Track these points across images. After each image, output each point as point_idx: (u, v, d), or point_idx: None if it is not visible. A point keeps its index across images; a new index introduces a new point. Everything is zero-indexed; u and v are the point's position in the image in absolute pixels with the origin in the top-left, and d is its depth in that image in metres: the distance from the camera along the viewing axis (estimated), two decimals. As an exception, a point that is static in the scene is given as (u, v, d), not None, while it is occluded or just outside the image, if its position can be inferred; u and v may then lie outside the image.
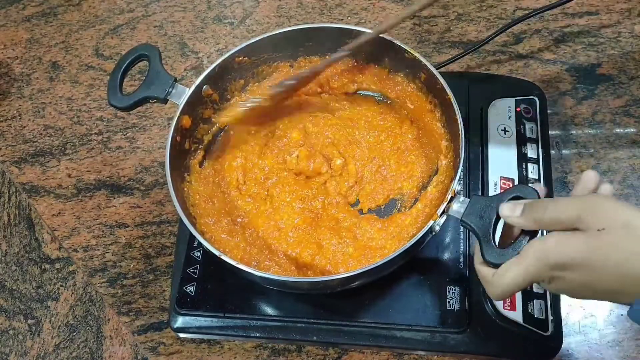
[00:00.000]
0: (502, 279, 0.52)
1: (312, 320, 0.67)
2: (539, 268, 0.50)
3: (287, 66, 0.78)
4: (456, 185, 0.60)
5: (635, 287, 0.47)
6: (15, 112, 0.91)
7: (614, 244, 0.47)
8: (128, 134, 0.87)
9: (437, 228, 0.61)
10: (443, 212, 0.59)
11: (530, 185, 0.64)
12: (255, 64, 0.76)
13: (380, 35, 0.70)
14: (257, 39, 0.73)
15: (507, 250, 0.52)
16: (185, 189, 0.70)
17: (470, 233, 0.65)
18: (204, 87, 0.72)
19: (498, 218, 0.55)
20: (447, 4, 0.93)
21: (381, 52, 0.74)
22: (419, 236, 0.59)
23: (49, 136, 0.88)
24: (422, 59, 0.69)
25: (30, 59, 0.96)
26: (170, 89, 0.69)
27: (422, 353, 0.68)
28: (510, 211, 0.53)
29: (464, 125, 0.65)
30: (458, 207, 0.58)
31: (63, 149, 0.87)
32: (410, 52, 0.70)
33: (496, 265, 0.53)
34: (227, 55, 0.72)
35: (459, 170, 0.61)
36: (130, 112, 0.88)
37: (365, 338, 0.66)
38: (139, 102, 0.69)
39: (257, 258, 0.68)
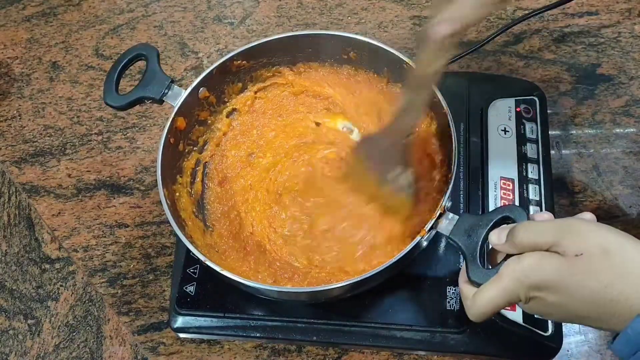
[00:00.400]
0: (481, 298, 0.51)
1: (312, 320, 0.67)
2: (517, 287, 0.49)
3: (287, 70, 0.77)
4: (446, 202, 0.59)
5: (609, 315, 0.46)
6: (15, 112, 0.91)
7: (591, 271, 0.46)
8: (128, 134, 0.87)
9: (425, 244, 0.60)
10: (431, 228, 0.58)
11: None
12: (254, 67, 0.76)
13: (381, 45, 0.70)
14: (256, 43, 0.73)
15: (492, 271, 0.52)
16: (176, 192, 0.70)
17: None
18: (201, 89, 0.71)
19: (486, 237, 0.55)
20: (447, 4, 0.93)
21: (380, 61, 0.73)
22: (406, 251, 0.58)
23: (49, 136, 0.88)
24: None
25: (30, 59, 0.96)
26: (167, 90, 0.68)
27: (422, 353, 0.68)
28: (497, 239, 0.53)
29: (458, 139, 0.64)
30: (446, 224, 0.58)
31: (63, 149, 0.87)
32: (409, 64, 0.68)
33: (480, 285, 0.52)
34: (225, 58, 0.72)
35: (450, 187, 0.60)
36: (130, 112, 0.88)
37: (366, 338, 0.66)
38: (134, 102, 0.69)
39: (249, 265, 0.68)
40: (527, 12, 0.87)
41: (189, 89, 0.70)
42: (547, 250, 0.49)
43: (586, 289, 0.46)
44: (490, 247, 0.55)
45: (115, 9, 1.00)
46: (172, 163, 0.70)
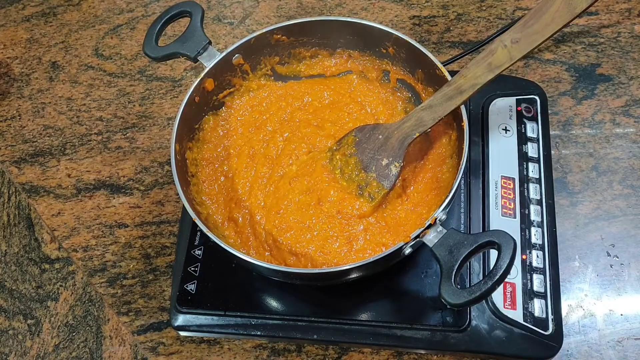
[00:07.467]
0: None
1: (313, 319, 0.67)
2: None
3: (327, 55, 0.77)
4: (439, 214, 0.58)
5: None
6: (15, 112, 0.91)
7: None
8: (128, 134, 0.87)
9: (408, 251, 0.59)
10: (417, 237, 0.57)
11: None
12: (293, 45, 0.76)
13: (418, 46, 0.70)
14: (297, 21, 0.73)
15: (463, 292, 0.52)
16: (194, 148, 0.71)
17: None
18: (236, 55, 0.72)
19: (467, 257, 0.54)
20: (447, 4, 0.94)
21: (416, 62, 0.72)
22: (385, 254, 0.57)
23: (48, 136, 0.88)
24: (449, 77, 0.67)
25: (30, 59, 0.96)
26: (202, 50, 0.70)
27: (422, 352, 0.68)
28: None
29: (467, 162, 0.63)
30: (432, 236, 0.57)
31: (63, 149, 0.87)
32: (440, 70, 0.68)
33: (449, 303, 0.52)
34: (265, 30, 0.72)
35: (446, 201, 0.59)
36: (130, 112, 0.88)
37: (366, 336, 0.66)
38: (170, 56, 0.71)
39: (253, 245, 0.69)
40: (527, 12, 0.87)
41: (224, 53, 0.71)
42: None
43: None
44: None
45: (115, 9, 1.00)
46: (194, 120, 0.71)
